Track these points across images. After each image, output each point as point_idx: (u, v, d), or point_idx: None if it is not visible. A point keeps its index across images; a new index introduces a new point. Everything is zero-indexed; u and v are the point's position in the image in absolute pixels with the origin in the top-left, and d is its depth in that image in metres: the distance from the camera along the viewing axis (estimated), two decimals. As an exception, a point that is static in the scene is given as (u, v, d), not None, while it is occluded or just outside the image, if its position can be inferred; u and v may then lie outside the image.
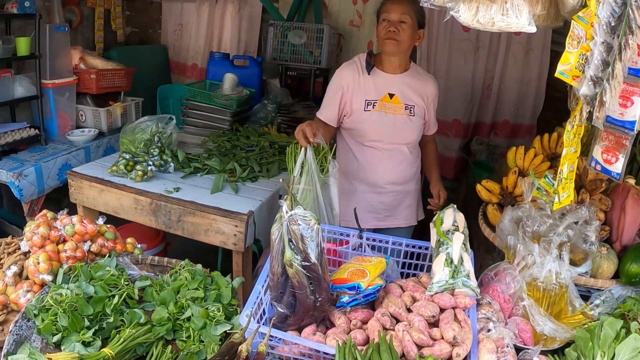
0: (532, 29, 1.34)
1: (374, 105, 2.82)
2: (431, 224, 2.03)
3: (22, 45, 3.67)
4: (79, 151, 3.93)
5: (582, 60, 1.47)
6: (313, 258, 1.58)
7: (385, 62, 2.85)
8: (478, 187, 2.71)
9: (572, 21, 1.44)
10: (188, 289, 1.93)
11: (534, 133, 4.86)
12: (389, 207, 3.00)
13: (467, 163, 4.96)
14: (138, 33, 5.80)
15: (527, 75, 4.74)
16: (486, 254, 2.72)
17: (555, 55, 4.45)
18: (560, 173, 1.79)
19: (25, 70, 3.97)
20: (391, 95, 2.84)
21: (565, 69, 1.46)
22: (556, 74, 1.48)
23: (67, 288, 1.83)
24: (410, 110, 2.86)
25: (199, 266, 2.10)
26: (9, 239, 2.32)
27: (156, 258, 2.21)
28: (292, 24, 4.77)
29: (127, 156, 3.15)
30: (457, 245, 1.85)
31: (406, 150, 2.94)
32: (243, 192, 3.10)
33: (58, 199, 3.82)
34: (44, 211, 2.21)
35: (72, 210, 3.15)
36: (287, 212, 1.59)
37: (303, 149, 2.40)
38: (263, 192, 3.12)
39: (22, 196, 3.50)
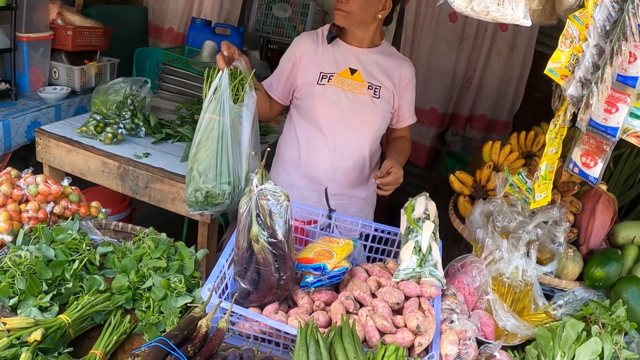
0: (527, 23, 1.31)
1: (329, 79, 2.39)
2: (402, 210, 2.01)
3: (-2, -5, 3.53)
4: (50, 109, 3.82)
5: (572, 60, 1.45)
6: (280, 235, 1.55)
7: (348, 33, 2.44)
8: (451, 177, 2.70)
9: (568, 20, 1.42)
10: (150, 258, 1.89)
11: (509, 130, 4.91)
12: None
13: (440, 153, 4.98)
14: (120, -8, 5.66)
15: (509, 72, 4.76)
16: (453, 244, 2.73)
17: (540, 55, 4.48)
18: (537, 171, 1.79)
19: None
20: (352, 71, 2.41)
21: (555, 67, 1.44)
22: (545, 71, 1.46)
23: (27, 250, 1.78)
24: (375, 92, 2.41)
25: (163, 235, 2.06)
26: (-31, 194, 2.26)
27: (120, 224, 2.16)
28: (278, -4, 4.70)
29: (98, 117, 3.06)
30: (427, 234, 1.84)
31: (362, 144, 2.48)
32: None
33: (25, 157, 3.71)
34: (8, 169, 2.14)
35: (38, 169, 3.08)
36: (257, 186, 1.55)
37: (220, 73, 2.02)
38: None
39: (-13, 152, 3.41)
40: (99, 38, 4.26)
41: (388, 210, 3.04)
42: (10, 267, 1.70)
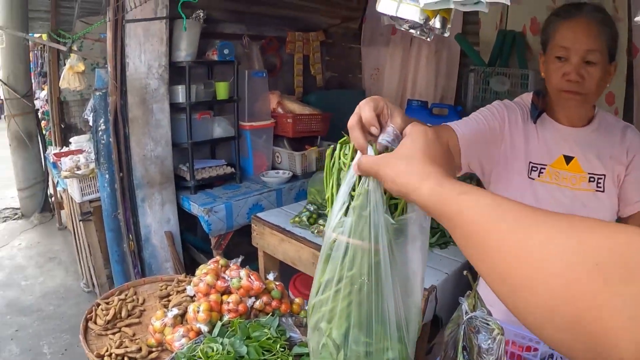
0: None
1: (540, 172, 1.84)
2: None
3: (222, 90, 3.88)
4: (271, 192, 3.97)
5: None
6: (489, 375, 1.28)
7: (559, 109, 1.86)
8: None
9: None
10: (346, 369, 1.72)
11: None
12: None
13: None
14: (337, 77, 5.84)
15: None
16: None
17: None
18: None
19: (225, 112, 4.16)
20: (568, 159, 1.84)
21: None
22: None
23: (221, 343, 1.75)
24: (598, 183, 1.83)
25: (363, 341, 1.89)
26: (182, 277, 2.40)
27: (322, 324, 2.04)
28: (494, 69, 4.44)
29: (311, 208, 3.07)
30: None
31: None
32: (429, 260, 2.68)
33: (249, 233, 3.88)
34: (217, 258, 2.22)
35: (255, 251, 3.19)
36: (466, 313, 1.31)
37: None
38: (451, 263, 2.68)
39: (210, 230, 3.61)
40: (318, 124, 4.41)
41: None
42: (201, 358, 1.67)
